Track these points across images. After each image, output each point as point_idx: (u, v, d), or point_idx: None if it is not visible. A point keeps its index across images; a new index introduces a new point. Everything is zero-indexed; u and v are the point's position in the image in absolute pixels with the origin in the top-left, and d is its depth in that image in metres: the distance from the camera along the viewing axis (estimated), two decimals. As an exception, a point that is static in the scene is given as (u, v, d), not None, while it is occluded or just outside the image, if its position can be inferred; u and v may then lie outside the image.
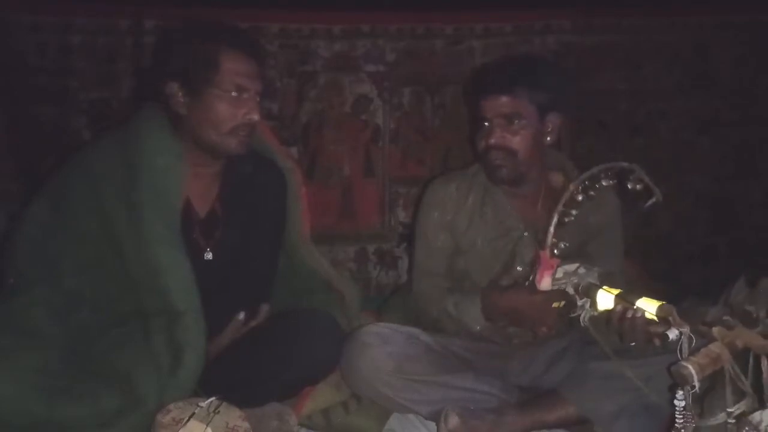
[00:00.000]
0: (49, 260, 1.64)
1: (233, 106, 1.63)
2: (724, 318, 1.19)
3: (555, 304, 1.65)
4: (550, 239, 1.59)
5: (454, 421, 1.66)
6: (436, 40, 2.61)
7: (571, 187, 1.57)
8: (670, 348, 1.27)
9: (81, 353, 1.57)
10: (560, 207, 1.58)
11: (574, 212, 1.60)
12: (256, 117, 1.65)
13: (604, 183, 1.57)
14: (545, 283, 1.62)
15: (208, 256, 1.73)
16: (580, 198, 1.58)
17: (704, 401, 1.22)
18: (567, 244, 1.61)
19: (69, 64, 2.48)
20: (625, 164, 1.57)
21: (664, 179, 2.75)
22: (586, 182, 1.57)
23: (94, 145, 1.73)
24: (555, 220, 1.58)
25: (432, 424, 1.74)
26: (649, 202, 1.52)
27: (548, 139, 1.82)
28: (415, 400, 1.73)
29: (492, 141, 1.77)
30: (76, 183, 1.66)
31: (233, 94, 1.62)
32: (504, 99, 1.76)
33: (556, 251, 1.60)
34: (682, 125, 2.78)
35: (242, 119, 1.63)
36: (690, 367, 1.12)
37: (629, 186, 1.56)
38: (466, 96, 1.90)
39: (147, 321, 1.62)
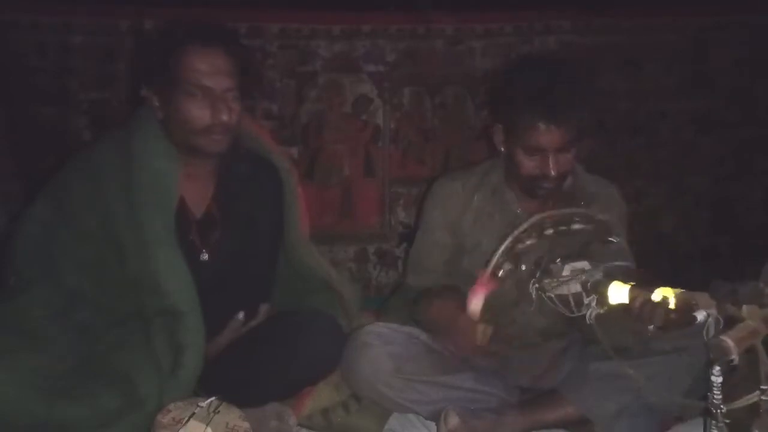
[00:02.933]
0: (49, 260, 1.64)
1: (200, 107, 1.59)
2: (758, 295, 1.19)
3: (481, 329, 1.63)
4: (495, 261, 1.57)
5: (454, 421, 1.66)
6: (436, 40, 2.61)
7: (541, 216, 1.56)
8: (697, 330, 1.27)
9: (81, 353, 1.57)
10: (516, 233, 1.55)
11: (529, 242, 1.58)
12: (225, 117, 1.59)
13: (575, 227, 1.57)
14: (475, 304, 1.60)
15: (204, 257, 1.72)
16: (549, 232, 1.57)
17: (727, 385, 1.23)
18: (510, 268, 1.58)
19: (69, 64, 2.48)
20: (602, 217, 1.56)
21: (664, 179, 2.79)
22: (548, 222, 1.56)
23: (95, 146, 1.73)
24: (507, 243, 1.56)
25: (432, 424, 1.74)
26: (619, 263, 1.52)
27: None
28: (415, 400, 1.73)
29: (552, 173, 1.69)
30: (77, 183, 1.66)
31: (198, 93, 1.58)
32: (564, 131, 1.67)
33: (499, 274, 1.58)
34: (682, 125, 2.78)
35: (212, 120, 1.59)
36: (729, 340, 1.13)
37: (605, 241, 1.55)
38: (504, 115, 1.76)
39: (147, 321, 1.62)
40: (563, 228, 1.58)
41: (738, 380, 1.21)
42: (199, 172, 1.72)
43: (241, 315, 1.72)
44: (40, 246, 1.65)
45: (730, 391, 1.21)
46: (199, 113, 1.59)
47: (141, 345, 1.59)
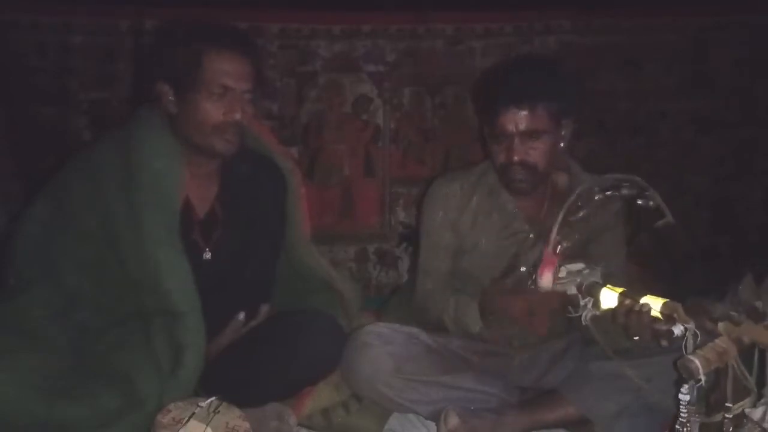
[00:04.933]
0: (49, 260, 1.64)
1: (216, 106, 1.61)
2: (731, 313, 1.19)
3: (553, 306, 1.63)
4: (553, 237, 1.58)
5: (454, 420, 1.66)
6: (436, 40, 2.61)
7: (580, 189, 1.56)
8: (675, 344, 1.27)
9: (81, 353, 1.57)
10: (567, 206, 1.56)
11: (581, 213, 1.57)
12: (238, 116, 1.62)
13: (617, 192, 1.56)
14: (546, 280, 1.61)
15: (207, 256, 1.73)
16: (599, 197, 1.57)
17: (710, 399, 1.23)
18: (569, 243, 1.59)
19: (69, 64, 2.48)
20: (639, 180, 1.56)
21: (664, 179, 2.79)
22: (597, 188, 1.56)
23: (95, 145, 1.73)
24: (560, 218, 1.56)
25: (432, 424, 1.74)
26: (660, 222, 1.52)
27: (561, 144, 1.79)
28: (415, 400, 1.73)
29: (515, 158, 1.72)
30: (76, 183, 1.66)
31: (218, 93, 1.61)
32: (526, 114, 1.70)
33: (558, 249, 1.58)
34: (682, 125, 2.78)
35: (224, 118, 1.62)
36: (696, 360, 1.13)
37: (640, 203, 1.55)
38: (478, 106, 1.81)
39: (147, 321, 1.62)
40: (613, 193, 1.57)
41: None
42: (203, 171, 1.72)
43: (241, 315, 1.72)
44: (40, 246, 1.65)
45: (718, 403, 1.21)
46: (214, 111, 1.61)
47: (141, 345, 1.59)
